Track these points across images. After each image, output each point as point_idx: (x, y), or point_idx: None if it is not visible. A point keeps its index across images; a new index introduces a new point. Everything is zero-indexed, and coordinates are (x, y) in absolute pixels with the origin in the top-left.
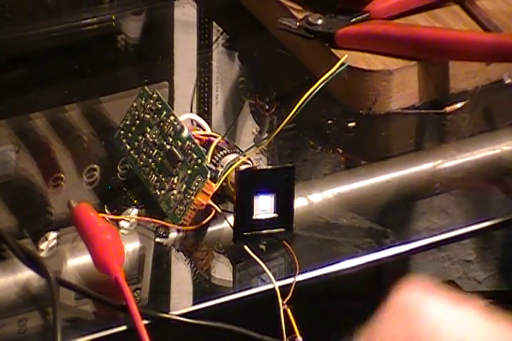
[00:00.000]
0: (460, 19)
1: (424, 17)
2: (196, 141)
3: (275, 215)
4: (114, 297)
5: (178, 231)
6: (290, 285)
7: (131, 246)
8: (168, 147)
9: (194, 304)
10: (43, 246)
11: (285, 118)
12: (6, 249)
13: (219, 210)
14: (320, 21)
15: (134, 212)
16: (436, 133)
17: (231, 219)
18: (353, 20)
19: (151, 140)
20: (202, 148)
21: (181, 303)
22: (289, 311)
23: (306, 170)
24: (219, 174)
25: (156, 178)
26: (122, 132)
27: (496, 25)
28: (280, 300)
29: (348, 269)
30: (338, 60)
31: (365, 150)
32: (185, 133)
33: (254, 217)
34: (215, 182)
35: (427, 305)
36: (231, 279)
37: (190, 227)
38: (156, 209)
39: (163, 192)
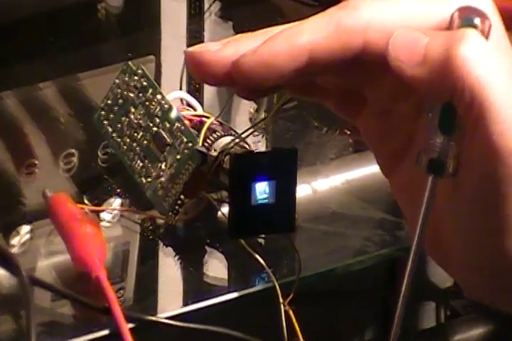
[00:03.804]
0: None
1: None
2: (186, 122)
3: (275, 205)
4: (95, 298)
5: (167, 223)
6: (292, 283)
7: (114, 240)
8: (154, 129)
9: (185, 305)
10: (15, 241)
11: (285, 96)
12: None
13: (212, 200)
14: None
15: (116, 202)
16: None
17: (226, 209)
18: None
19: (136, 121)
20: (193, 130)
21: (170, 304)
22: (290, 312)
23: (310, 154)
24: (212, 159)
25: (141, 164)
26: (103, 113)
27: None
28: (281, 300)
29: (357, 265)
30: None
31: None
32: (173, 114)
33: (252, 207)
34: (207, 169)
35: None
36: (226, 277)
37: (180, 219)
38: (142, 198)
39: (149, 179)
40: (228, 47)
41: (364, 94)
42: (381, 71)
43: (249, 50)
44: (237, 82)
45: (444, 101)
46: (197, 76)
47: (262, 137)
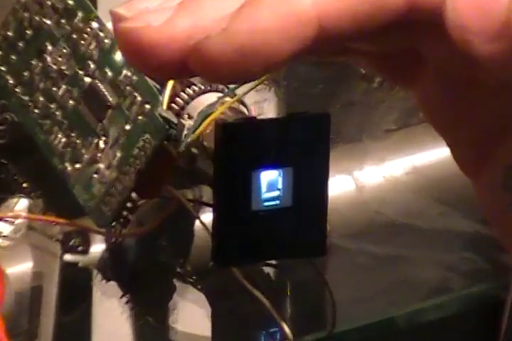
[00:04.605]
0: None
1: None
2: None
3: (293, 210)
4: None
5: (108, 240)
6: None
7: (18, 269)
8: (87, 80)
9: None
10: None
11: None
12: None
13: (185, 202)
14: None
15: (21, 204)
16: None
17: (209, 218)
18: None
19: (55, 67)
20: (153, 83)
21: None
22: None
23: (352, 124)
24: (185, 131)
25: (64, 140)
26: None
27: None
28: None
29: (432, 313)
30: None
31: None
32: (119, 55)
33: (253, 213)
34: (177, 148)
35: None
36: (209, 334)
37: (131, 234)
38: (66, 198)
39: (78, 166)
40: (183, 18)
41: (420, 51)
42: (441, 30)
43: (216, 25)
44: (199, 73)
45: None
46: (134, 65)
47: (269, 91)
